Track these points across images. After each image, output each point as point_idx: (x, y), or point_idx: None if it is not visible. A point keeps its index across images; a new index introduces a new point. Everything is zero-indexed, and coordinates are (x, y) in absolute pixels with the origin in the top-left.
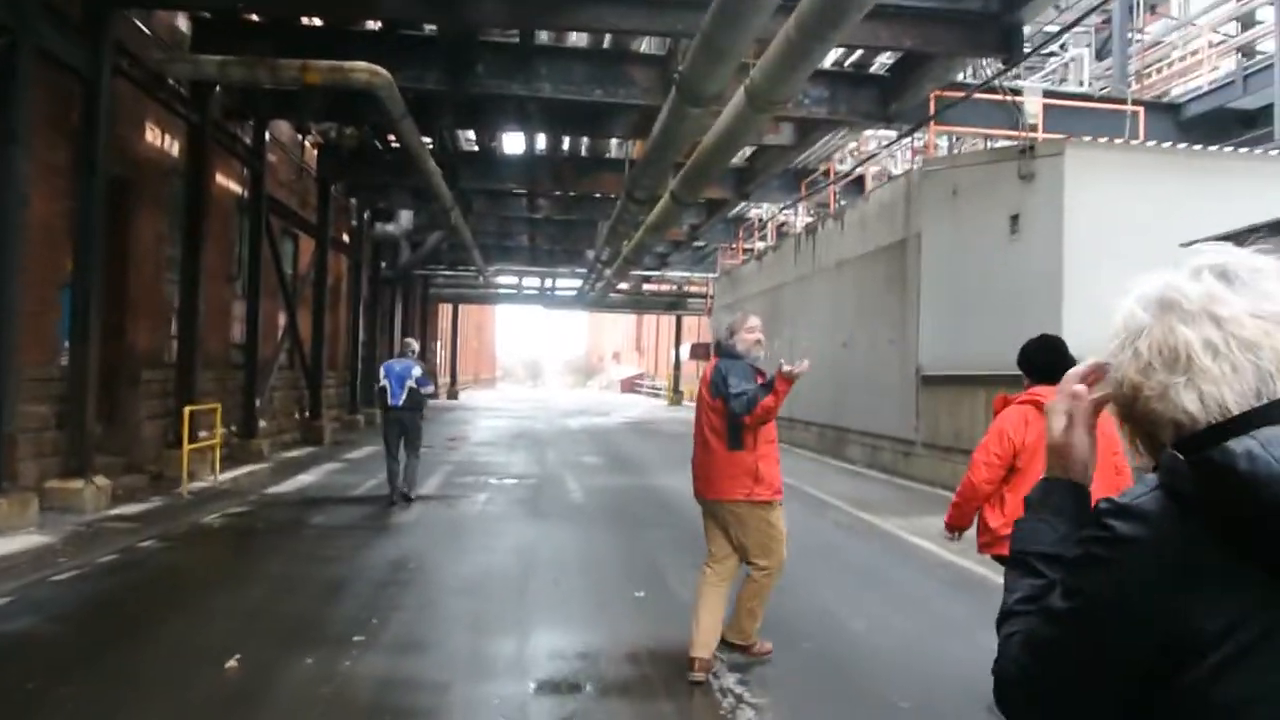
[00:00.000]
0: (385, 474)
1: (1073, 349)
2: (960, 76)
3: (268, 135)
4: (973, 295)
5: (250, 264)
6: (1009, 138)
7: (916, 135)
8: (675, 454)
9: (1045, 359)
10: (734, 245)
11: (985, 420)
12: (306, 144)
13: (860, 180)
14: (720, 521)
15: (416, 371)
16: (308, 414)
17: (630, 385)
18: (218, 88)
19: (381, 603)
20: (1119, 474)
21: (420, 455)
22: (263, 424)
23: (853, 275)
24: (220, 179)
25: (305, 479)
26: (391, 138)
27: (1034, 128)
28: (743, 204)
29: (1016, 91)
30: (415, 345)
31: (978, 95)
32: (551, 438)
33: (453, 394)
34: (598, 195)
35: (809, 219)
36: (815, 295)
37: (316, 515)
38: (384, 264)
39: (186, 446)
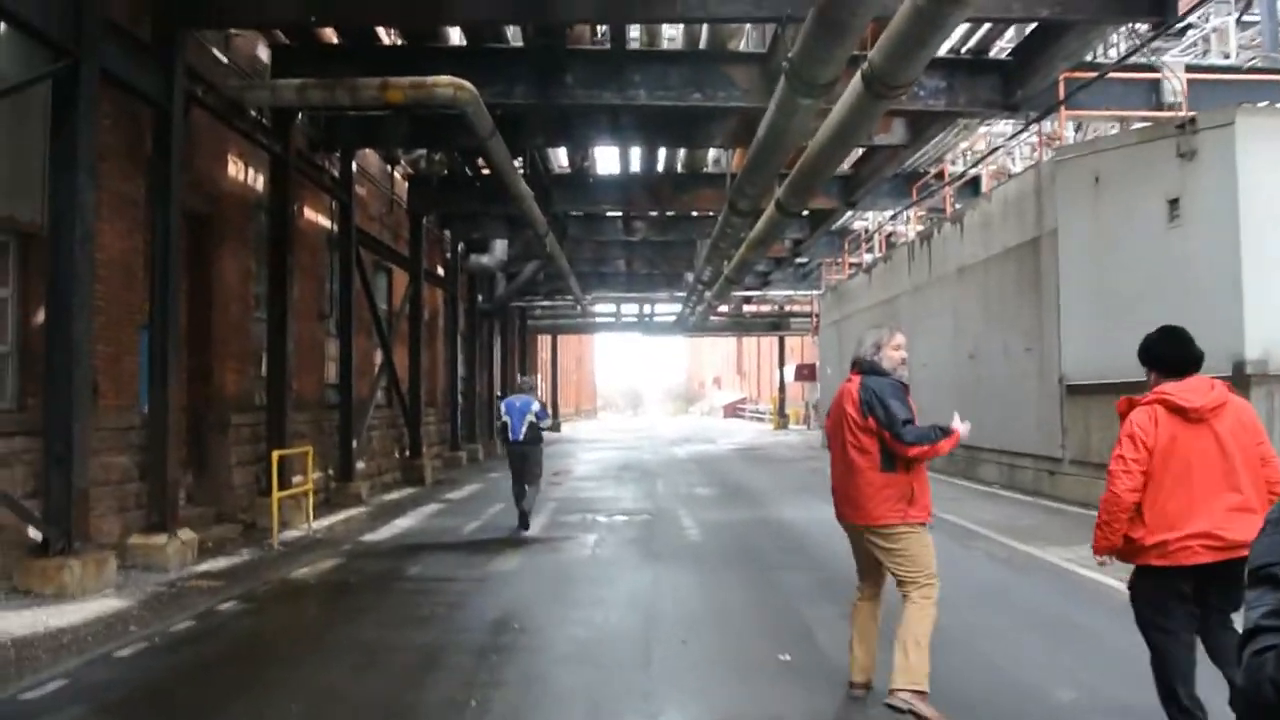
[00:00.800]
0: (486, 516)
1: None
2: (1089, 56)
3: (354, 166)
4: (1125, 293)
5: (342, 300)
6: (1147, 120)
7: (1037, 127)
8: (791, 481)
9: (1170, 351)
10: (839, 259)
11: None
12: (396, 175)
13: (975, 181)
14: (868, 548)
15: (535, 406)
16: (408, 453)
17: (733, 410)
18: (300, 115)
19: (481, 676)
20: (1265, 464)
21: (540, 484)
22: (361, 465)
23: (977, 281)
24: (308, 212)
25: (403, 523)
26: (482, 163)
27: (1177, 107)
28: (849, 214)
29: (1154, 68)
30: (532, 381)
31: (1113, 75)
32: (659, 468)
33: (554, 426)
34: (695, 214)
35: (921, 226)
36: (934, 305)
37: (413, 565)
38: (480, 297)
39: (276, 494)
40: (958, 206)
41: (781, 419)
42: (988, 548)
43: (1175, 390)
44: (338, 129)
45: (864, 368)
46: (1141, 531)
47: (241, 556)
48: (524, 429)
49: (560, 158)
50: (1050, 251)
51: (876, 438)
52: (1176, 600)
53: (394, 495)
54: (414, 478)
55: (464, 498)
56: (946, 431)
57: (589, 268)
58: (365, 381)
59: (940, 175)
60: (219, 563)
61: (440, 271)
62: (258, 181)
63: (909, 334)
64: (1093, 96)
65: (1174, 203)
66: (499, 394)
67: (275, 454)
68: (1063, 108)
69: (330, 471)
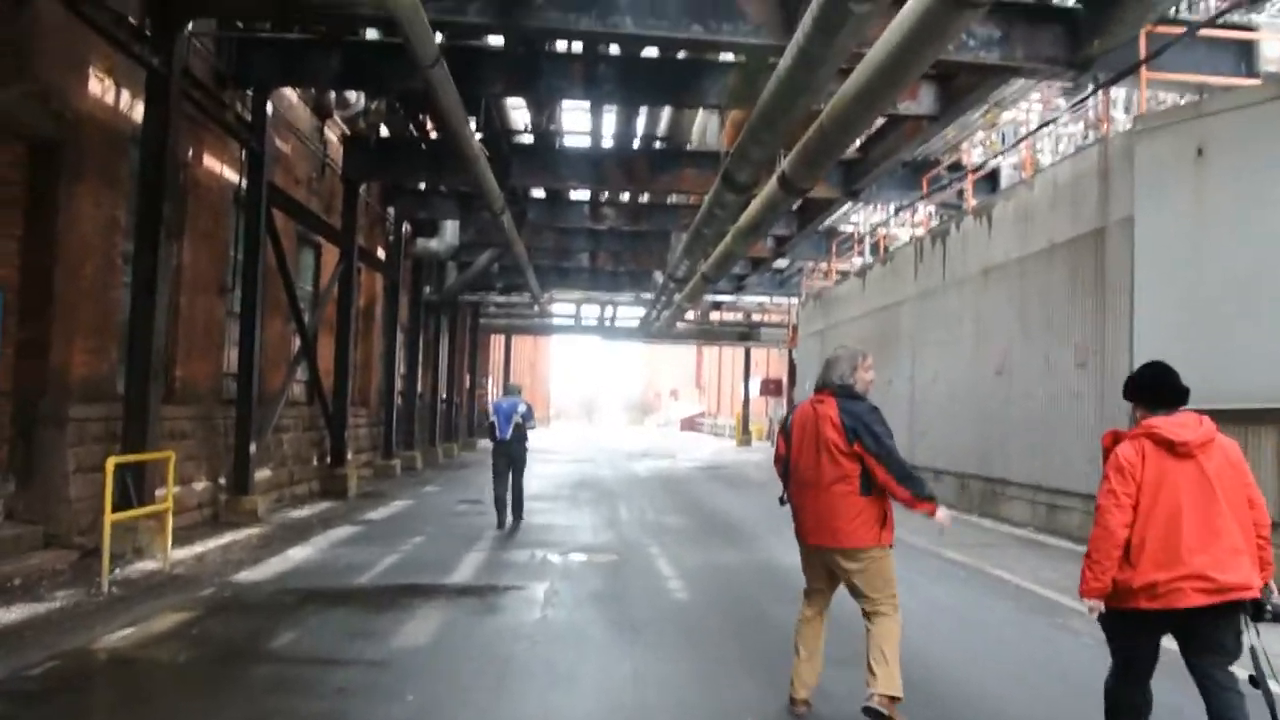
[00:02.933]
0: (408, 548)
1: None
2: (1171, 10)
3: (270, 108)
4: (1237, 293)
5: (247, 272)
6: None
7: (1100, 98)
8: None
9: (1158, 384)
10: (824, 263)
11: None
12: (330, 135)
13: (994, 175)
14: (835, 570)
15: (522, 408)
16: (329, 460)
17: (690, 424)
18: (189, 25)
19: None
20: (1253, 506)
21: (524, 481)
22: (265, 474)
23: (1009, 284)
24: (207, 160)
25: (300, 554)
26: (429, 124)
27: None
28: (845, 208)
29: (1249, 26)
30: (520, 385)
31: (1202, 33)
32: (620, 487)
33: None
34: (673, 201)
35: (922, 227)
36: (948, 313)
37: (287, 629)
38: (428, 288)
39: (109, 515)
40: (990, 197)
41: (745, 435)
42: (1062, 620)
43: (1163, 424)
44: (250, 59)
45: (838, 391)
46: (1129, 573)
47: (50, 602)
48: (510, 429)
49: (522, 119)
50: (1121, 245)
51: (858, 462)
52: (1148, 639)
53: (303, 512)
54: (334, 490)
55: (388, 518)
56: (931, 498)
57: (549, 260)
58: (277, 373)
59: (956, 165)
60: (18, 612)
61: (381, 254)
62: (134, 109)
63: (914, 345)
64: (1169, 58)
65: None
66: (444, 397)
67: (112, 460)
68: (1144, 68)
69: (222, 481)
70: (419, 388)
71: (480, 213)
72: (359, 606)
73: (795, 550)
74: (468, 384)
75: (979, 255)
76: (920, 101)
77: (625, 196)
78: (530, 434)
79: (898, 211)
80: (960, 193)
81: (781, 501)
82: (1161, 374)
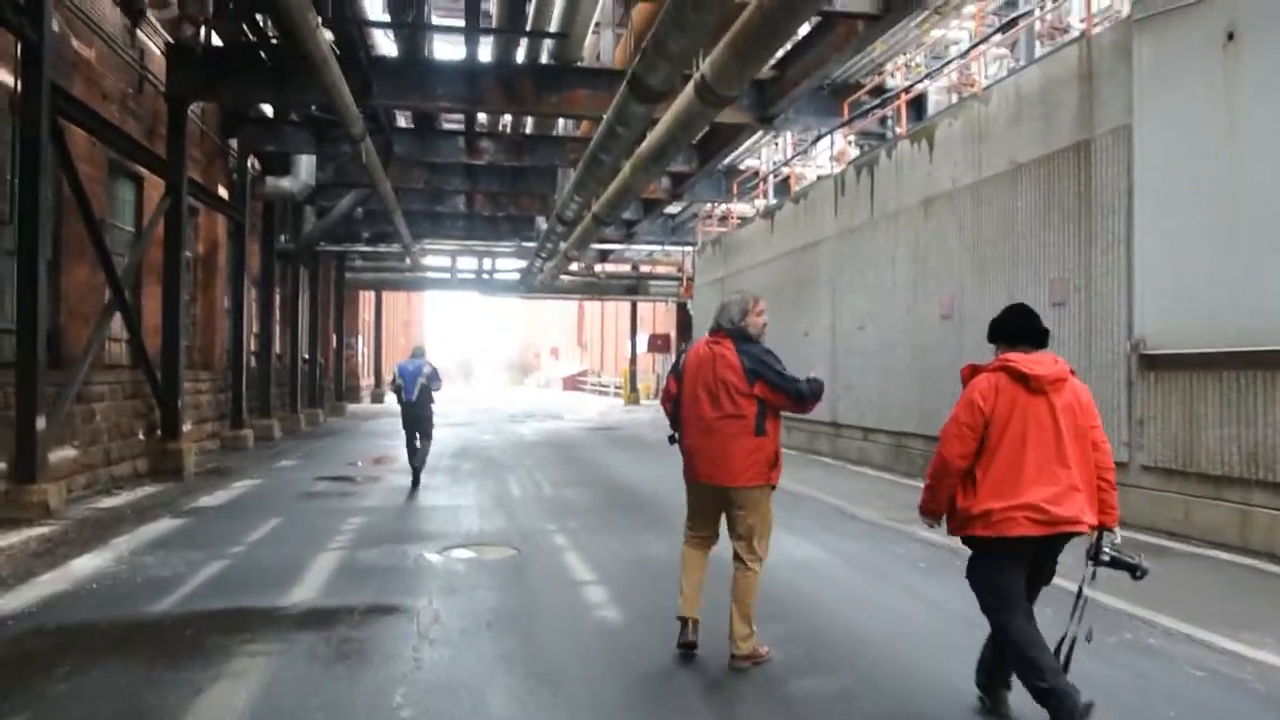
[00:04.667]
0: (241, 548)
1: None
2: None
3: None
4: (1275, 217)
5: (23, 199)
6: None
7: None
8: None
9: (1019, 324)
10: (724, 205)
11: None
12: (147, 42)
13: (920, 102)
14: (721, 507)
15: (427, 370)
16: (158, 433)
17: (573, 383)
18: None
19: None
20: (1097, 448)
21: (431, 440)
22: (68, 454)
23: (959, 214)
24: None
25: (86, 566)
26: (269, 28)
27: None
28: (754, 138)
29: None
30: (424, 347)
31: None
32: (506, 455)
33: (377, 397)
34: (559, 134)
35: (852, 156)
36: (878, 252)
37: (5, 713)
38: (284, 236)
39: None
40: (931, 118)
41: (633, 393)
42: (1157, 643)
43: (1020, 359)
44: None
45: (735, 334)
46: (971, 500)
47: None
48: (416, 391)
49: (386, 42)
50: (1113, 160)
51: (756, 403)
52: (1013, 574)
53: (118, 499)
54: (166, 469)
55: (225, 505)
56: (817, 380)
57: (421, 204)
58: (78, 329)
59: (879, 90)
60: None
61: (223, 193)
62: None
63: (834, 290)
64: None
65: None
66: (307, 358)
67: None
68: None
69: (1, 466)
70: (276, 347)
71: (339, 144)
72: (144, 655)
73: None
74: (334, 344)
75: (917, 184)
76: None
77: (506, 124)
78: (436, 395)
79: (816, 140)
80: (883, 120)
81: (671, 440)
82: (1024, 315)
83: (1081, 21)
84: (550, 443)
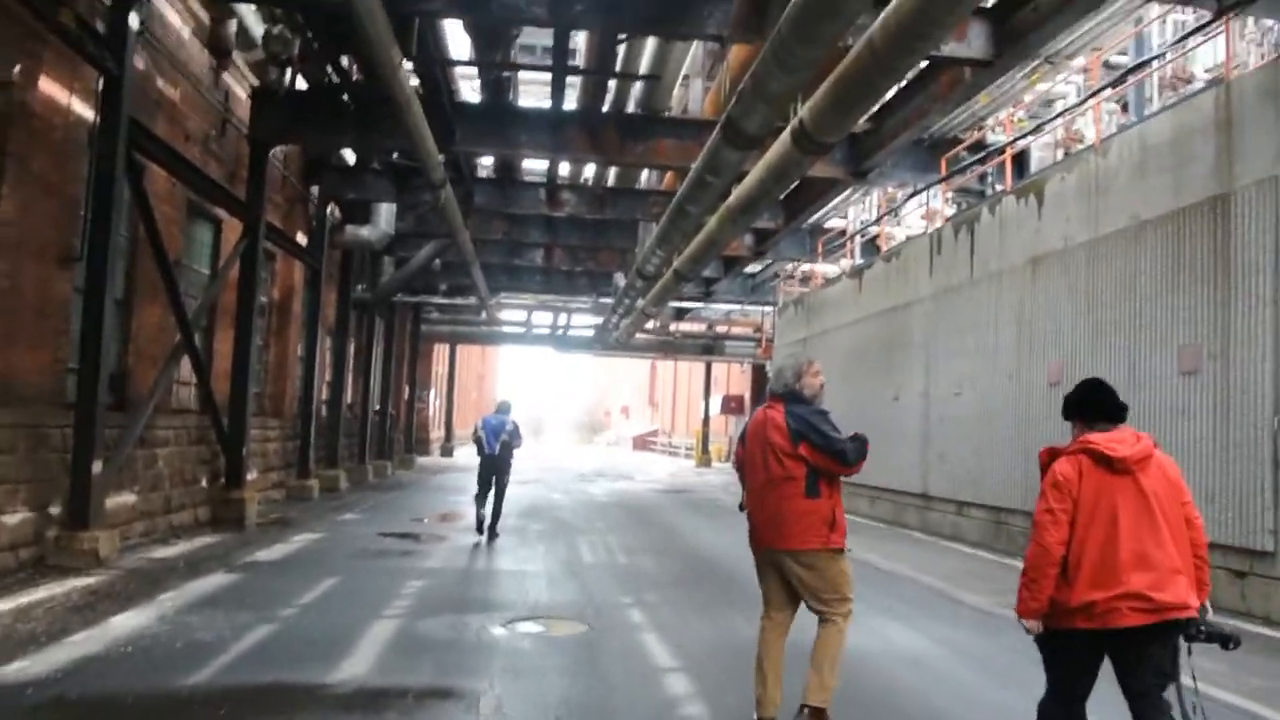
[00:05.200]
0: (293, 611)
1: None
2: None
3: (136, 22)
4: None
5: (95, 234)
6: None
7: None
8: None
9: (1095, 400)
10: (807, 264)
11: None
12: (231, 84)
13: (1022, 159)
14: (786, 573)
15: (509, 426)
16: (222, 481)
17: (643, 443)
18: None
19: None
20: (1190, 525)
21: (506, 492)
22: (127, 500)
23: (1071, 274)
24: (44, 82)
25: (127, 624)
26: (353, 69)
27: None
28: (847, 194)
29: None
30: (509, 404)
31: None
32: (576, 516)
33: (446, 451)
34: (641, 187)
35: (948, 214)
36: (979, 314)
37: None
38: (361, 286)
39: None
40: (1033, 175)
41: (704, 455)
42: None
43: (1101, 440)
44: None
45: (787, 396)
46: (1066, 592)
47: None
48: (498, 445)
49: (469, 85)
50: (1257, 215)
51: (804, 464)
52: (1083, 660)
53: (173, 549)
54: (228, 518)
55: (281, 560)
56: (861, 439)
57: (499, 257)
58: (146, 371)
59: (979, 145)
60: None
61: (302, 240)
62: None
63: (928, 354)
64: None
65: None
66: (378, 409)
67: None
68: None
69: (54, 511)
70: (347, 397)
71: (419, 193)
72: None
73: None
74: (406, 395)
75: (1024, 243)
76: (969, 42)
77: (588, 175)
78: (515, 451)
79: (912, 195)
80: (983, 177)
81: (741, 508)
82: (1099, 390)
83: (1207, 72)
84: (622, 504)
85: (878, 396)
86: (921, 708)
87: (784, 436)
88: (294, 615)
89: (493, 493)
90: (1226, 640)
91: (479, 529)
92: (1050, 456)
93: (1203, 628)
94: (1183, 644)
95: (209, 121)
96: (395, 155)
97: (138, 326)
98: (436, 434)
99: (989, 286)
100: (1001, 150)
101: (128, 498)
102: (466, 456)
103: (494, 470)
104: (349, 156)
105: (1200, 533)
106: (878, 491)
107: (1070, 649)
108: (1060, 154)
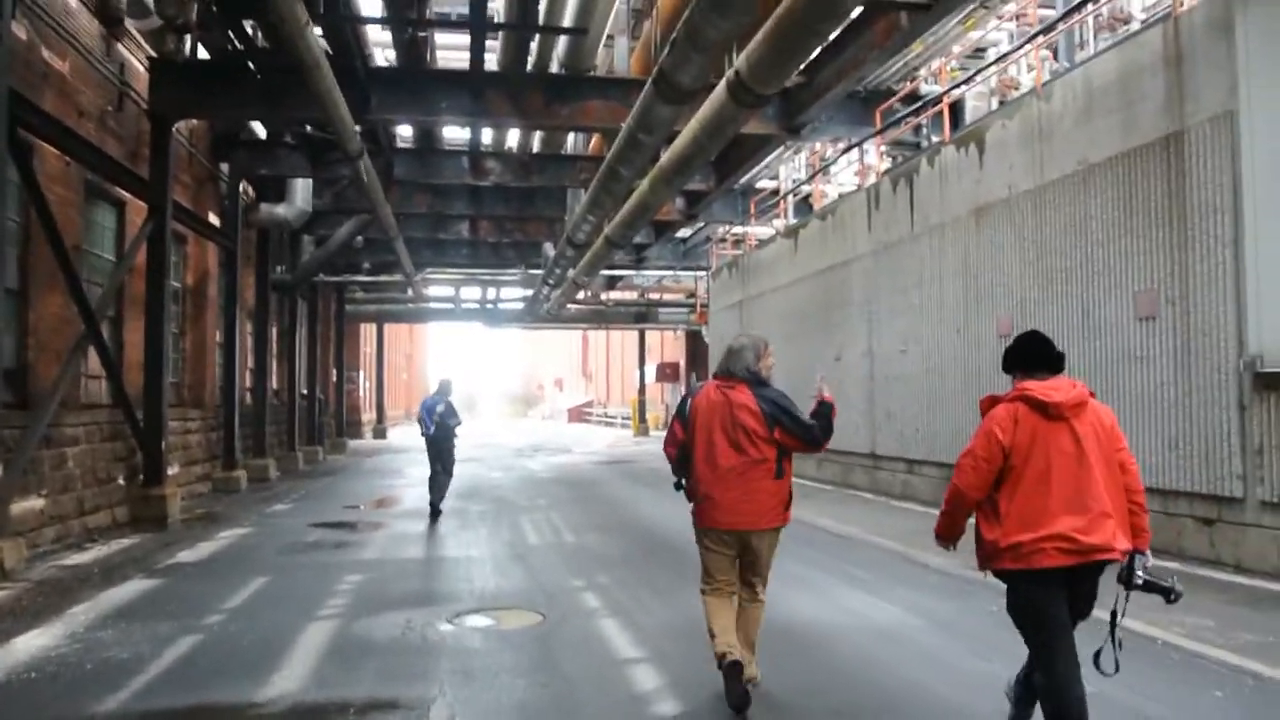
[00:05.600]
0: (216, 620)
1: None
2: None
3: None
4: None
5: None
6: None
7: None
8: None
9: (1033, 351)
10: (740, 226)
11: None
12: (126, 54)
13: (956, 108)
14: (747, 552)
15: (441, 407)
16: (140, 479)
17: (579, 414)
18: None
19: None
20: (1125, 470)
21: (450, 474)
22: (35, 505)
23: (1017, 223)
24: None
25: (29, 645)
26: (257, 34)
27: None
28: (780, 150)
29: None
30: (449, 385)
31: None
32: (519, 494)
33: (379, 432)
34: (568, 153)
35: (883, 168)
36: (922, 268)
37: None
38: (280, 267)
39: None
40: (981, 117)
41: (642, 424)
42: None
43: (1037, 387)
44: None
45: (751, 379)
46: (998, 533)
47: None
48: (434, 425)
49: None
50: (1214, 152)
51: (776, 447)
52: (1051, 604)
53: (85, 555)
54: (149, 516)
55: (206, 560)
56: (827, 404)
57: (423, 231)
58: (49, 366)
59: (913, 97)
60: None
61: (214, 220)
62: None
63: (870, 311)
64: None
65: None
66: (305, 394)
67: None
68: None
69: None
70: (272, 383)
71: (336, 167)
72: None
73: (812, 594)
74: (334, 378)
75: (966, 193)
76: None
77: (513, 143)
78: (458, 429)
79: (846, 150)
80: (918, 129)
81: (677, 487)
82: (1036, 341)
83: (1144, 11)
84: (563, 479)
85: (820, 357)
86: (901, 681)
87: (758, 421)
88: (220, 623)
89: (439, 473)
90: (1168, 593)
91: (431, 515)
92: (990, 403)
93: (1141, 574)
94: (1121, 591)
95: (104, 96)
96: (309, 128)
97: (36, 318)
98: (368, 416)
99: (931, 240)
100: (937, 100)
101: (35, 502)
102: (399, 437)
103: (436, 450)
104: (260, 130)
105: (1135, 479)
106: (824, 454)
107: (1024, 601)
108: (995, 102)
